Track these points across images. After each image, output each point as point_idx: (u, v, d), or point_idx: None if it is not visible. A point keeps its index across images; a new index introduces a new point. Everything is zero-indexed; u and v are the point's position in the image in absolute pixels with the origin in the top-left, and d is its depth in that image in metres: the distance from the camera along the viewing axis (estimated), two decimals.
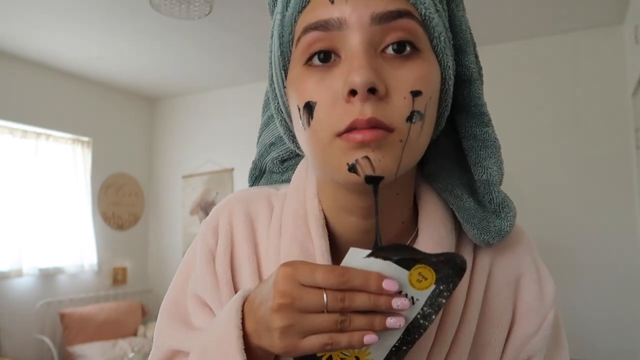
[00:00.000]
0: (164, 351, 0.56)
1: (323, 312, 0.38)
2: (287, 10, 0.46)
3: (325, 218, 0.53)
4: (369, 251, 0.38)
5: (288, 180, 0.63)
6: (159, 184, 4.98)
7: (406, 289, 0.39)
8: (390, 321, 0.38)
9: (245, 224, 0.56)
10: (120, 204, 4.69)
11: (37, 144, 3.97)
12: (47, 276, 4.00)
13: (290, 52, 0.46)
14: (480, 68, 0.52)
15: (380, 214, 0.50)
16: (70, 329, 3.77)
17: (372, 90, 0.40)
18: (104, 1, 2.94)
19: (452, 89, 0.48)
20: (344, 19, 0.42)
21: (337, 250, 0.54)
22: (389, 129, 0.41)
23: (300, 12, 0.45)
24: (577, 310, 3.14)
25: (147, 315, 4.45)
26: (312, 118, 0.43)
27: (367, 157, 0.41)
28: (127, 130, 4.83)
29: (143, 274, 4.86)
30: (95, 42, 3.56)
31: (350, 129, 0.41)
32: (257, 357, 0.45)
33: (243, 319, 0.45)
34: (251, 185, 0.68)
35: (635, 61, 2.90)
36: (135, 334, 4.12)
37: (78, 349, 3.66)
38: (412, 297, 0.39)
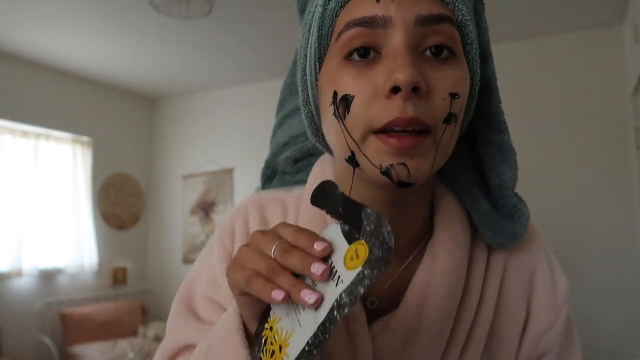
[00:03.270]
0: (173, 344, 0.57)
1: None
2: (329, 3, 0.46)
3: None
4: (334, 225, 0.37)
5: (300, 182, 0.63)
6: (159, 184, 4.98)
7: (338, 264, 0.36)
8: (305, 292, 0.35)
9: (261, 227, 0.57)
10: (120, 204, 4.69)
11: (37, 144, 3.97)
12: (47, 276, 4.00)
13: (328, 44, 0.47)
14: (496, 77, 0.53)
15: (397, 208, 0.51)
16: (71, 329, 3.77)
17: (415, 90, 0.41)
18: (104, 1, 2.94)
19: (477, 96, 0.49)
20: (389, 17, 0.42)
21: None
22: (427, 129, 0.42)
23: (342, 6, 0.45)
24: (577, 311, 3.14)
25: (147, 315, 4.45)
26: (348, 112, 0.44)
27: (404, 164, 0.42)
28: (127, 130, 4.83)
29: (143, 274, 4.86)
30: (95, 42, 3.57)
31: (390, 126, 0.42)
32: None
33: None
34: (263, 185, 0.68)
35: (635, 61, 2.90)
36: (135, 334, 4.12)
37: (78, 349, 3.66)
38: (340, 277, 0.35)
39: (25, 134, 3.90)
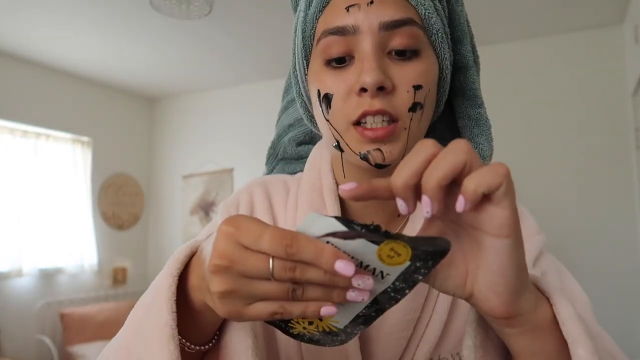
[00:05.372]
0: None
1: (270, 279, 0.34)
2: (309, 9, 0.53)
3: (338, 189, 0.59)
4: (330, 217, 0.33)
5: (299, 171, 0.68)
6: (159, 184, 4.98)
7: (373, 263, 0.34)
8: (352, 294, 0.34)
9: (265, 200, 0.62)
10: (120, 204, 4.69)
11: (37, 144, 3.97)
12: (47, 276, 4.00)
13: (312, 45, 0.54)
14: (477, 57, 0.59)
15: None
16: (71, 329, 3.77)
17: (381, 88, 0.48)
18: (104, 1, 2.94)
19: (449, 77, 0.55)
20: (357, 25, 0.49)
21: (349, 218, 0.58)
22: (394, 119, 0.49)
23: (321, 11, 0.52)
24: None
25: None
26: (330, 107, 0.51)
27: (379, 149, 0.49)
28: (127, 130, 4.83)
29: (143, 274, 4.86)
30: (95, 42, 3.57)
31: (362, 117, 0.49)
32: (202, 312, 0.43)
33: (188, 270, 0.43)
34: (267, 163, 0.75)
35: (635, 61, 2.90)
36: None
37: (78, 349, 3.66)
38: (382, 272, 0.34)
39: (25, 134, 3.90)
